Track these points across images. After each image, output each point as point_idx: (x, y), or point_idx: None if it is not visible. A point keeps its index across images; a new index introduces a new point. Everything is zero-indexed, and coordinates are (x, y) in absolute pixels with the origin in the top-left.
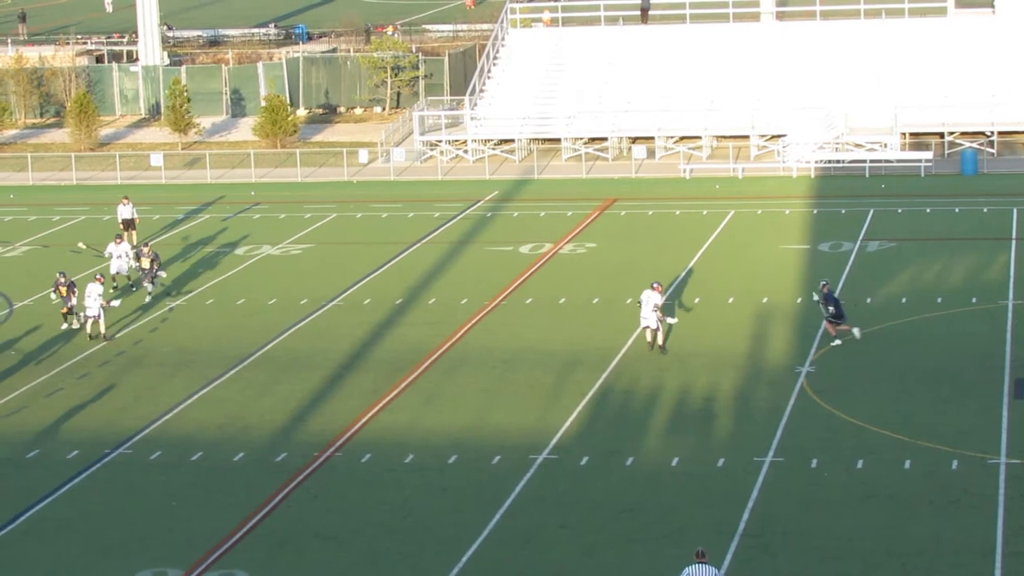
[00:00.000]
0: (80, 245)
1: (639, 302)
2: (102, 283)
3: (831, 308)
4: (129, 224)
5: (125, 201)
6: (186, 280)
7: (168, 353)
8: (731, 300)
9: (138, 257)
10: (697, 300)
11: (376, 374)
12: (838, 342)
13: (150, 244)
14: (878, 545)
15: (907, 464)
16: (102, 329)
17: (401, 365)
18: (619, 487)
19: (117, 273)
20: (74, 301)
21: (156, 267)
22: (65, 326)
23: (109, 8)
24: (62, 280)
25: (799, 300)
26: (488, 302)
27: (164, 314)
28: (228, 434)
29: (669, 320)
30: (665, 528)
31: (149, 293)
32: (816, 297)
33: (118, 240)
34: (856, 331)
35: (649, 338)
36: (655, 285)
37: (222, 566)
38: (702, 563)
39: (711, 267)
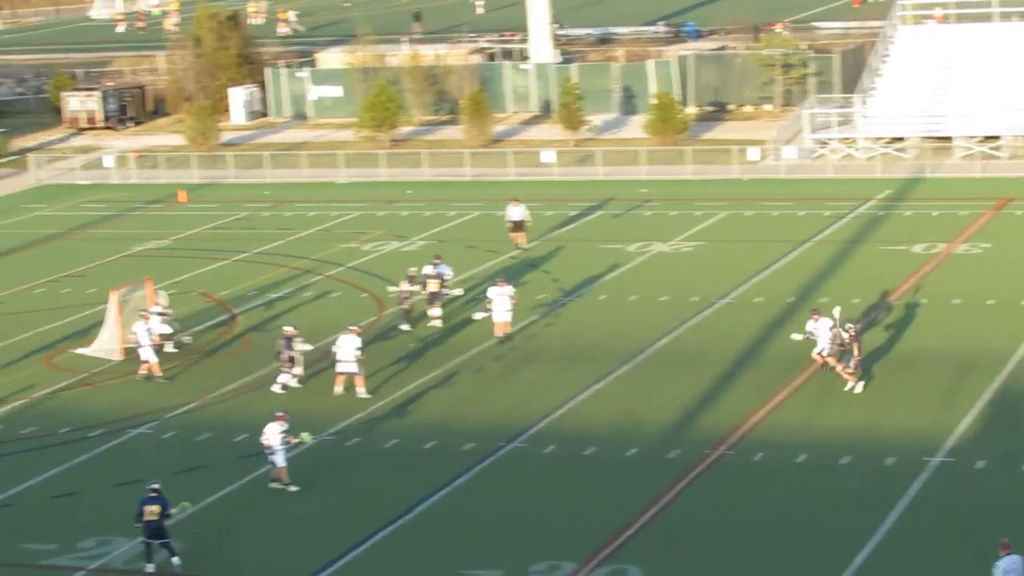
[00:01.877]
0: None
1: None
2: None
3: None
4: (519, 226)
5: (516, 202)
6: (578, 277)
7: (561, 348)
8: None
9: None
10: None
11: (767, 372)
12: None
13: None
14: None
15: None
16: (509, 328)
17: (792, 364)
18: (1016, 491)
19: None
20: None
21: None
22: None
23: (481, 10)
24: (412, 272)
25: None
26: (880, 302)
27: (557, 310)
28: (621, 429)
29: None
30: None
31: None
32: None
33: (437, 257)
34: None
35: None
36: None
37: (615, 561)
38: (1010, 554)
39: None
